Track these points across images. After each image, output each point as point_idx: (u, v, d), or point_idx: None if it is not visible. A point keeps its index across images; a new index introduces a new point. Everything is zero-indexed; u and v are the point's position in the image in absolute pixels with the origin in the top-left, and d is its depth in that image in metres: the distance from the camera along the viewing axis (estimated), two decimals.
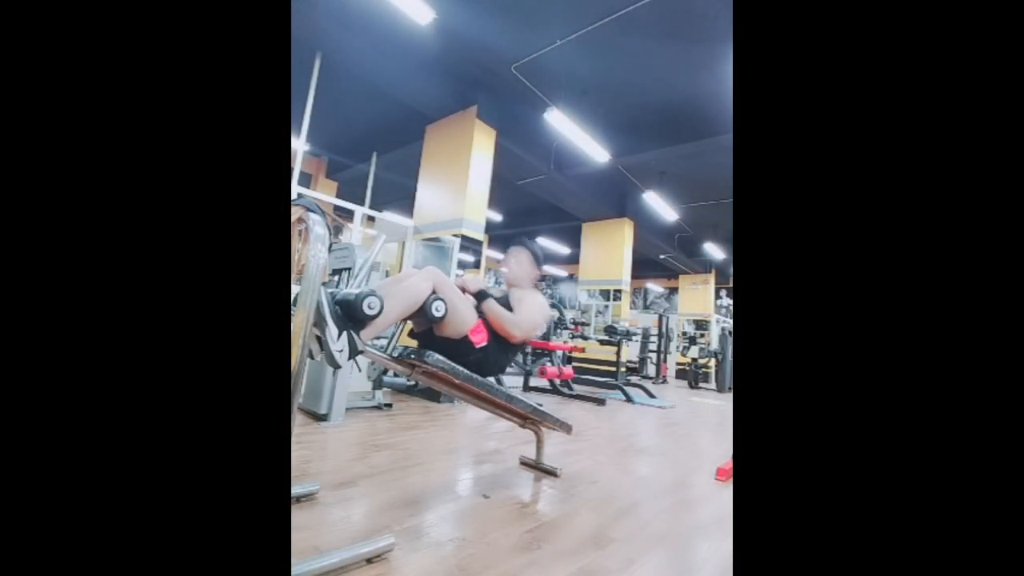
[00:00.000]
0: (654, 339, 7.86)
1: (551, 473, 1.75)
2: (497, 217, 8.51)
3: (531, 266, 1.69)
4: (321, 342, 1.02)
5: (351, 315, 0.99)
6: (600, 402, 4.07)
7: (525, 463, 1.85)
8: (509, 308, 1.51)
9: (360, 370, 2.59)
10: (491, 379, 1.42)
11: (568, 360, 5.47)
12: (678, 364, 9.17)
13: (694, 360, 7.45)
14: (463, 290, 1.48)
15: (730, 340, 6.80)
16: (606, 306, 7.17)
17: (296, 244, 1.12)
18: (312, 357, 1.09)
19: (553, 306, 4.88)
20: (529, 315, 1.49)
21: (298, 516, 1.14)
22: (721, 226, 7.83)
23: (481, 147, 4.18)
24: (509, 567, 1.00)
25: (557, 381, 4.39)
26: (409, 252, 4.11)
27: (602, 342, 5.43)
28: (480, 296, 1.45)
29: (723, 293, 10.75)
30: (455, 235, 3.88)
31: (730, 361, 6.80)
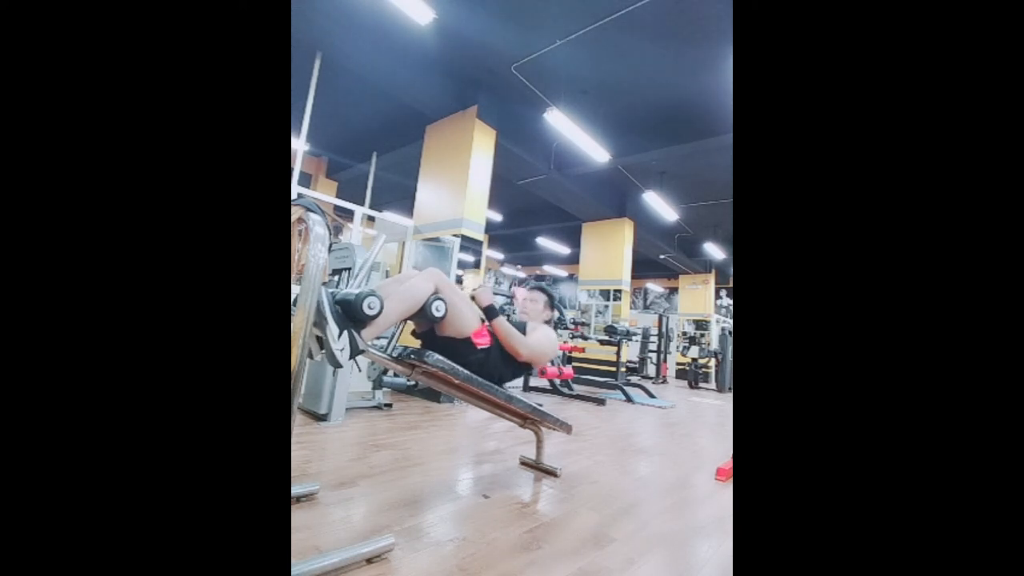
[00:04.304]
0: (654, 339, 7.85)
1: (551, 473, 1.75)
2: (497, 217, 8.51)
3: (546, 308, 1.80)
4: (321, 342, 1.02)
5: (351, 315, 0.99)
6: (600, 402, 4.07)
7: (525, 463, 1.85)
8: (523, 332, 1.56)
9: (360, 370, 2.59)
10: None
11: (568, 360, 5.47)
12: (678, 364, 9.16)
13: (694, 360, 7.45)
14: (472, 299, 1.50)
15: (730, 340, 6.80)
16: (606, 306, 7.17)
17: (296, 244, 1.12)
18: (312, 357, 1.09)
19: (553, 306, 4.88)
20: (539, 342, 1.55)
21: (298, 516, 1.14)
22: (721, 226, 7.82)
23: (481, 147, 4.18)
24: (509, 567, 1.00)
25: (557, 381, 4.39)
26: (409, 252, 4.11)
27: (602, 342, 5.42)
28: (490, 312, 1.46)
29: (723, 293, 10.74)
30: (455, 235, 3.88)
31: (730, 361, 6.80)
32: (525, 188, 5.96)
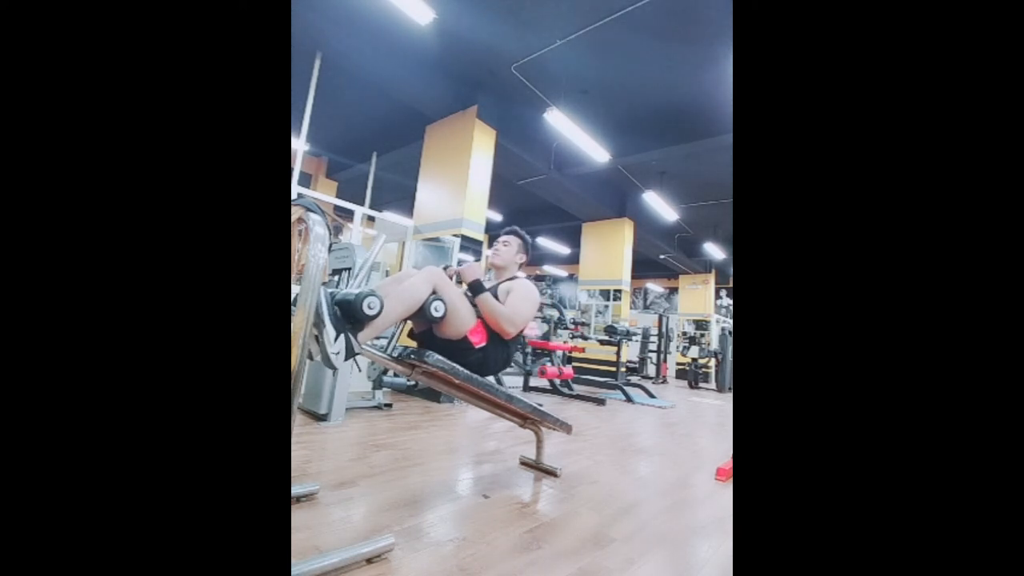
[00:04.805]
0: (654, 339, 7.85)
1: (551, 473, 1.75)
2: (497, 217, 8.51)
3: (519, 251, 1.72)
4: (320, 342, 1.02)
5: (351, 315, 0.99)
6: (600, 402, 4.07)
7: (525, 463, 1.85)
8: (499, 300, 1.51)
9: (360, 370, 2.59)
10: (491, 379, 1.42)
11: (568, 360, 5.47)
12: (678, 364, 9.16)
13: (694, 360, 7.45)
14: (454, 275, 1.47)
15: (730, 340, 6.80)
16: (606, 306, 7.17)
17: (296, 244, 1.12)
18: (312, 358, 1.09)
19: (553, 306, 4.88)
20: (519, 306, 1.48)
21: (298, 516, 1.14)
22: (721, 226, 7.82)
23: (481, 147, 4.18)
24: (509, 567, 1.00)
25: (557, 381, 4.39)
26: (409, 252, 4.11)
27: (602, 342, 5.42)
28: (475, 288, 1.43)
29: (723, 293, 10.75)
30: (455, 235, 3.88)
31: (730, 361, 6.80)
32: (525, 188, 5.96)
